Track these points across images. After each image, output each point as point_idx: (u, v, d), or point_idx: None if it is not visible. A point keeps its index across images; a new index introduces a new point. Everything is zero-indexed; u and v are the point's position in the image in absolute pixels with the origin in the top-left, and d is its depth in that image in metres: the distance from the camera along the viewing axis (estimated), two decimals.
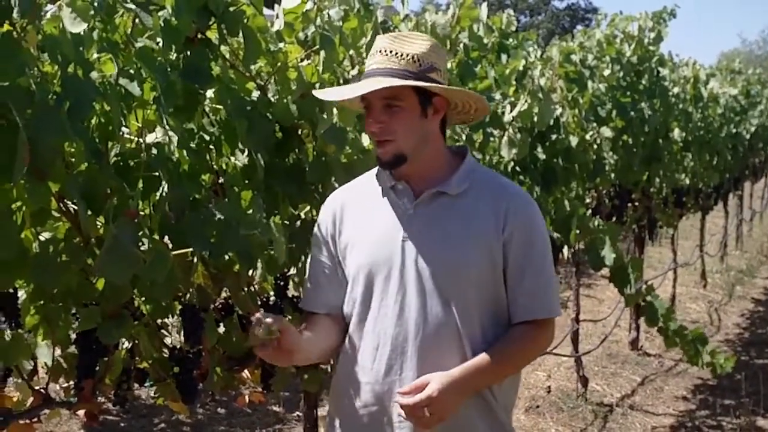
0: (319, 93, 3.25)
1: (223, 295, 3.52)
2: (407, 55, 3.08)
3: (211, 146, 3.16)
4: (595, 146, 7.51)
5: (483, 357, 3.12)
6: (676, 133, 9.75)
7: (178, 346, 3.23)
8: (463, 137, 4.81)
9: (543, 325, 3.23)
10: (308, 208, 3.68)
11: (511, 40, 5.65)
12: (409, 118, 3.09)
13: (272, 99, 3.37)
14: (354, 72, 3.75)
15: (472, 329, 3.14)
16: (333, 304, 3.36)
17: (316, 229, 3.41)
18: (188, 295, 3.13)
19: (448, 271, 3.13)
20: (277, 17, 3.44)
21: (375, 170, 3.36)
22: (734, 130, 13.42)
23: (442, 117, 3.21)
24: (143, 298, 3.04)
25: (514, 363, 3.27)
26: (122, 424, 7.52)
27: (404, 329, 3.17)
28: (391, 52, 3.09)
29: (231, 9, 3.02)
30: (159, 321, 3.25)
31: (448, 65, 4.83)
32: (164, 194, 2.82)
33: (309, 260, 3.45)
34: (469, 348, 3.14)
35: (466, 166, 3.23)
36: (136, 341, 3.16)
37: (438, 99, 3.14)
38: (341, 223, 3.32)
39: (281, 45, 3.42)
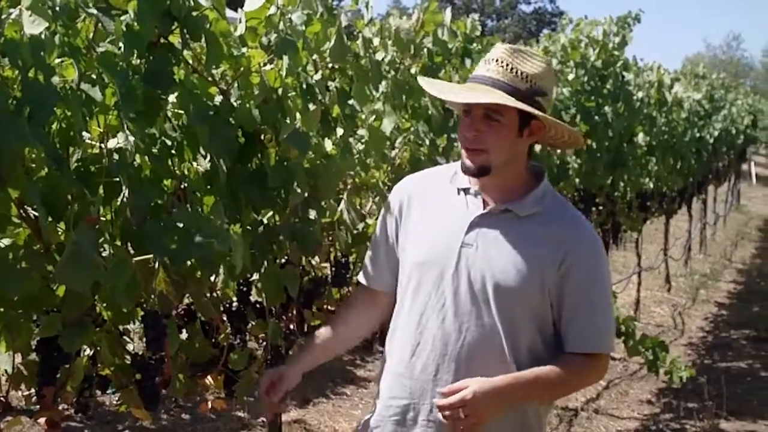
0: (425, 83, 3.38)
1: (186, 301, 3.51)
2: (521, 73, 3.14)
3: (173, 151, 3.14)
4: (559, 150, 7.53)
5: (529, 372, 3.16)
6: (641, 138, 9.79)
7: (140, 353, 3.21)
8: (427, 141, 4.80)
9: (595, 359, 3.26)
10: (271, 213, 3.67)
11: (475, 44, 5.66)
12: (504, 134, 3.14)
13: (235, 104, 3.36)
14: (317, 76, 3.74)
15: (516, 344, 3.19)
16: (389, 284, 3.51)
17: (383, 210, 3.55)
18: (150, 302, 3.11)
19: (497, 287, 3.16)
20: (240, 21, 3.42)
21: (449, 166, 3.46)
22: (698, 135, 13.50)
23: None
24: (105, 305, 3.02)
25: (558, 388, 3.31)
26: (86, 431, 7.47)
27: (446, 333, 3.22)
28: (507, 65, 3.15)
29: (193, 14, 3.00)
30: (121, 327, 3.23)
31: (412, 70, 4.84)
32: (125, 200, 2.80)
33: (372, 238, 3.62)
34: (512, 362, 3.18)
35: (540, 190, 3.28)
36: (98, 348, 3.14)
37: (536, 123, 3.18)
38: (408, 212, 3.42)
39: (244, 50, 3.40)
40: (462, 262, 3.21)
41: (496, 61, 3.17)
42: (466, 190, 3.31)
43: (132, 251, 2.89)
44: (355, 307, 3.65)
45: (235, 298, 3.76)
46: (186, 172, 3.24)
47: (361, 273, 3.65)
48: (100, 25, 2.71)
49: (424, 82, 3.41)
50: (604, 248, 3.36)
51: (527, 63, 3.16)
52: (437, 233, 3.30)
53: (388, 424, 3.35)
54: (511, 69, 3.14)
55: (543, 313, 3.21)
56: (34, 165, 2.67)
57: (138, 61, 2.88)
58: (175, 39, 3.02)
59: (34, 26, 2.40)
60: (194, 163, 3.26)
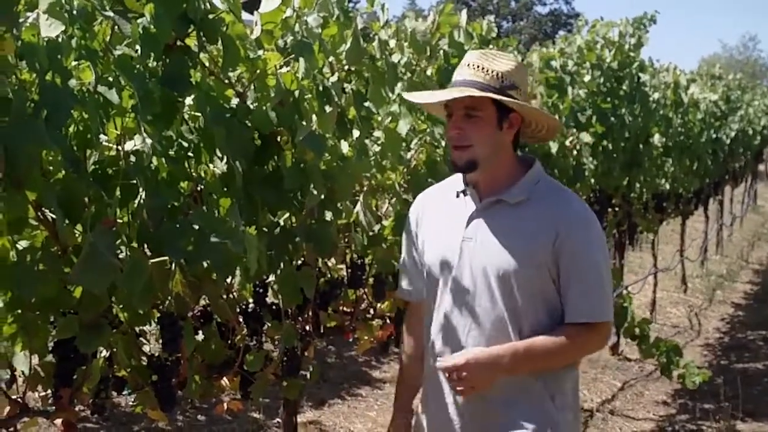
0: (406, 95, 3.74)
1: (202, 302, 3.52)
2: (492, 71, 3.36)
3: (190, 153, 3.15)
4: (575, 152, 7.52)
5: (523, 342, 3.36)
6: (657, 139, 9.78)
7: (156, 354, 3.22)
8: (443, 143, 4.80)
9: (592, 328, 3.42)
10: (287, 215, 3.68)
11: (491, 46, 5.65)
12: (485, 127, 3.36)
13: (251, 106, 3.37)
14: (334, 79, 3.74)
15: (520, 326, 3.38)
16: (423, 293, 3.71)
17: (406, 224, 3.77)
18: (166, 303, 3.12)
19: (495, 273, 3.37)
20: (256, 24, 3.43)
21: (455, 176, 3.64)
22: (714, 136, 13.46)
23: (516, 132, 3.46)
24: (121, 307, 3.03)
25: (556, 356, 3.42)
26: None
27: (456, 321, 3.46)
28: (478, 66, 3.37)
29: (210, 16, 3.01)
30: (137, 329, 3.24)
31: (428, 72, 4.84)
32: (142, 202, 2.81)
33: (401, 259, 3.81)
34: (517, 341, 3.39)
35: (529, 177, 3.47)
36: (115, 349, 3.15)
37: (514, 114, 3.40)
38: (422, 221, 3.67)
39: (260, 52, 3.41)
40: (465, 256, 3.43)
41: (468, 65, 3.40)
42: (464, 192, 3.53)
43: (148, 253, 2.90)
44: (414, 331, 3.79)
45: (251, 300, 3.77)
46: (203, 174, 3.26)
47: (402, 293, 3.83)
48: (116, 28, 2.73)
49: (405, 95, 3.78)
50: (597, 224, 3.50)
51: (496, 62, 3.38)
52: (443, 234, 3.53)
53: (435, 411, 3.59)
54: (482, 69, 3.36)
55: (548, 294, 3.39)
56: (51, 168, 2.68)
57: (155, 63, 2.89)
58: (192, 42, 3.04)
59: (50, 29, 2.41)
60: (211, 165, 3.27)
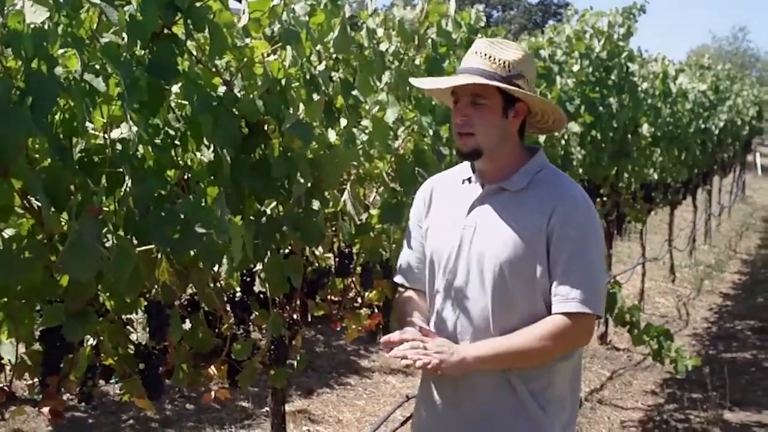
0: (414, 81, 3.73)
1: (189, 291, 3.51)
2: (499, 60, 3.38)
3: (177, 142, 3.15)
4: (563, 141, 7.53)
5: (493, 340, 3.36)
6: (645, 129, 9.79)
7: (143, 343, 3.22)
8: (430, 132, 4.80)
9: (575, 319, 3.34)
10: (274, 203, 3.67)
11: (479, 35, 5.65)
12: (490, 115, 3.39)
13: (238, 94, 3.36)
14: (321, 67, 3.74)
15: (505, 315, 3.38)
16: (423, 281, 3.71)
17: (411, 210, 3.84)
18: (153, 292, 3.12)
19: (488, 261, 3.39)
20: (244, 12, 3.43)
21: (462, 164, 3.68)
22: (703, 126, 13.49)
23: (522, 122, 3.50)
24: (108, 295, 3.03)
25: (531, 348, 3.35)
26: (90, 421, 7.49)
27: (448, 309, 3.51)
28: (485, 54, 3.41)
29: (197, 4, 3.00)
30: (124, 317, 3.24)
31: (416, 61, 4.84)
32: (128, 190, 2.81)
33: (405, 242, 3.83)
34: (498, 333, 3.38)
35: (530, 165, 3.51)
36: (101, 338, 3.15)
37: (520, 104, 3.43)
38: (428, 207, 3.71)
39: (248, 40, 3.41)
40: (464, 244, 3.46)
41: (476, 53, 3.43)
42: (469, 180, 3.57)
43: (135, 242, 2.89)
44: (403, 312, 3.72)
45: (238, 288, 3.77)
46: (189, 163, 3.25)
47: (398, 276, 3.83)
48: (103, 15, 2.71)
49: (413, 81, 3.75)
50: (594, 215, 3.53)
51: (504, 51, 3.41)
52: (446, 221, 3.56)
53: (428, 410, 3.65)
54: (489, 57, 3.39)
55: (540, 282, 3.36)
56: (37, 155, 2.67)
57: (141, 51, 2.88)
58: (179, 30, 3.02)
59: (35, 16, 2.40)
60: (198, 154, 3.27)
